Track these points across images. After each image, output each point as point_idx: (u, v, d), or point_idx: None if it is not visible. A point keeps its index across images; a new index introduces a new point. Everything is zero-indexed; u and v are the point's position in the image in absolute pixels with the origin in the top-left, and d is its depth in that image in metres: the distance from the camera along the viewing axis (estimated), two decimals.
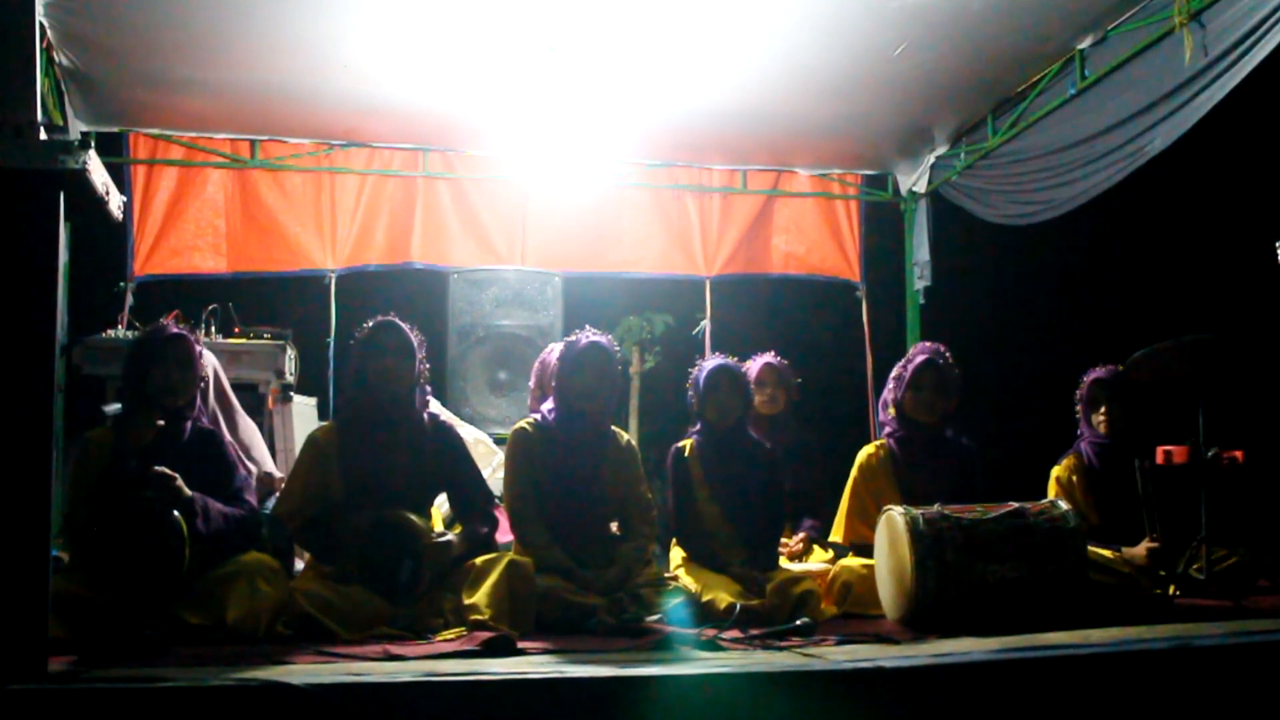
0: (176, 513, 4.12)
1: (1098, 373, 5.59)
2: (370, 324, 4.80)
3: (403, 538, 4.47)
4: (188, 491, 4.21)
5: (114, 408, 4.61)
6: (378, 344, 4.75)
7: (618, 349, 5.12)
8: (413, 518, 4.51)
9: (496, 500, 5.05)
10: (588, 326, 5.17)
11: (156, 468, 4.19)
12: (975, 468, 5.37)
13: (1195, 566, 5.09)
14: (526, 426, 5.03)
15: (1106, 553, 5.10)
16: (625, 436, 5.17)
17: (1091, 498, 5.49)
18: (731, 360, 5.37)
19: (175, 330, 4.62)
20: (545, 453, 4.96)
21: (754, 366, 6.03)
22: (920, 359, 5.33)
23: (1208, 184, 8.51)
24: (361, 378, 4.76)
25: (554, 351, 5.80)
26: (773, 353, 6.21)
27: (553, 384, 5.13)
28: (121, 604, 3.97)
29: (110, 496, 4.15)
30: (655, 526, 5.10)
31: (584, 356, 4.96)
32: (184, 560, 4.10)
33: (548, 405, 5.08)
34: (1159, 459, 5.20)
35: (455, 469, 4.87)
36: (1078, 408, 5.68)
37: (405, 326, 4.79)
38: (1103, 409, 5.55)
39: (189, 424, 4.54)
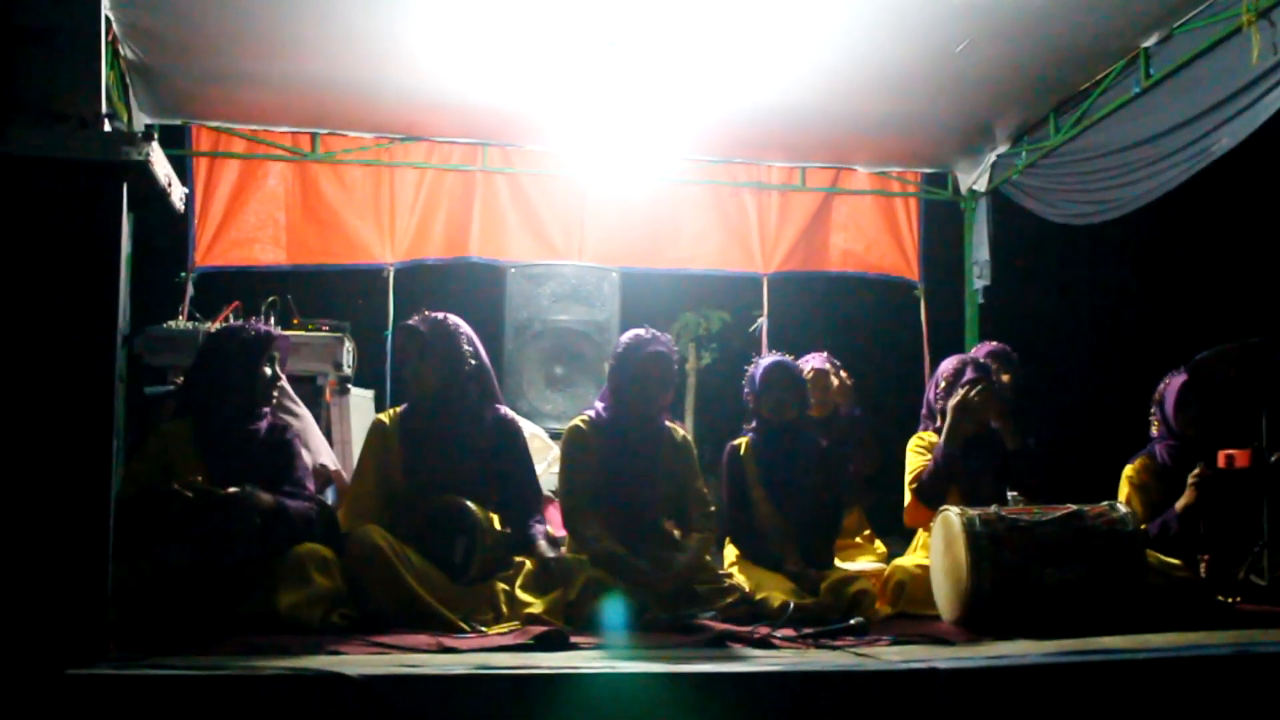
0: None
1: (1184, 374, 5.52)
2: (398, 327, 4.89)
3: (458, 519, 4.55)
4: (265, 497, 4.29)
5: (155, 390, 4.70)
6: (401, 351, 4.88)
7: (675, 350, 5.09)
8: (470, 504, 4.57)
9: (550, 496, 5.07)
10: (648, 327, 5.12)
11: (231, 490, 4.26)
12: (1025, 466, 5.33)
13: (1260, 567, 5.03)
14: (581, 424, 5.02)
15: (1171, 560, 5.05)
16: (680, 431, 5.16)
17: (1162, 500, 5.42)
18: (788, 357, 5.35)
19: (277, 331, 4.79)
20: (601, 450, 4.96)
21: (807, 365, 5.99)
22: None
23: (1275, 184, 8.39)
24: (403, 382, 4.91)
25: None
26: (825, 354, 6.17)
27: (609, 381, 5.09)
28: (177, 592, 4.02)
29: (186, 494, 4.20)
30: (714, 519, 5.07)
31: (648, 366, 4.95)
32: (262, 564, 4.17)
33: (601, 403, 5.07)
34: (1220, 463, 5.14)
35: (508, 466, 4.90)
36: (1153, 409, 5.62)
37: (426, 329, 4.82)
38: (1192, 409, 5.49)
39: (266, 420, 4.62)
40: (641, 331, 5.07)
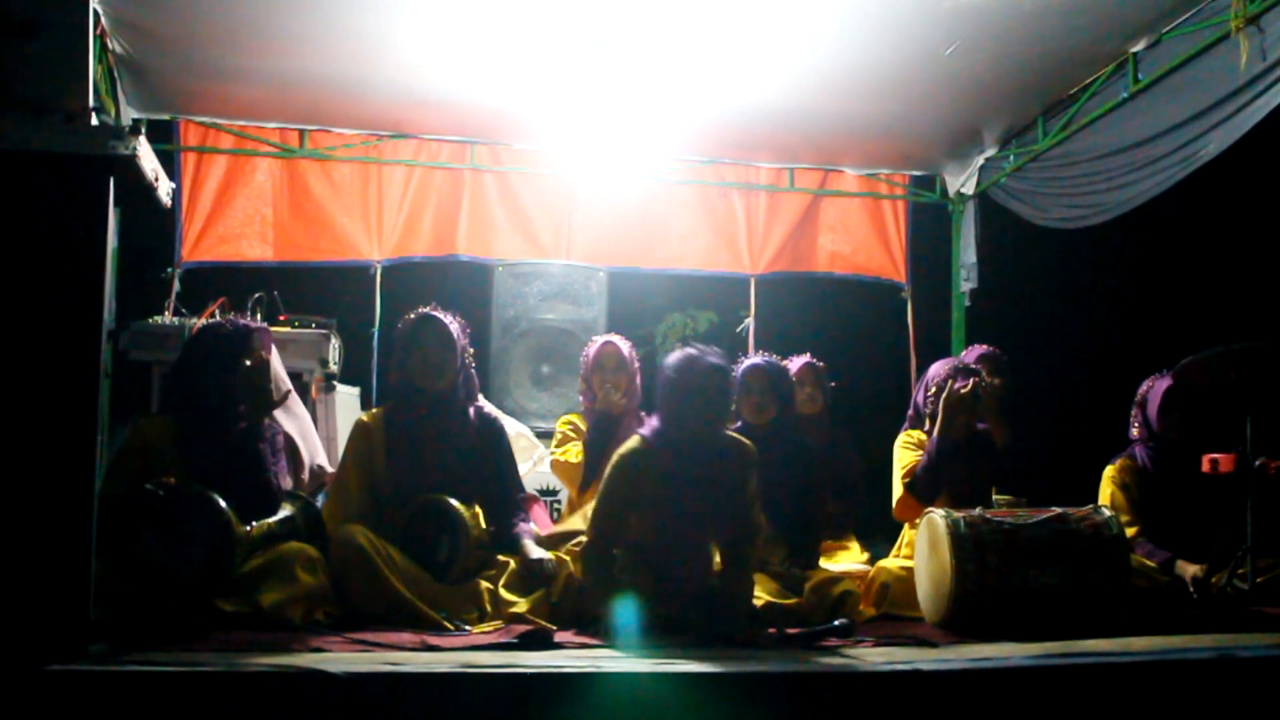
0: (225, 504, 4.14)
1: (1168, 378, 5.53)
2: (412, 316, 4.82)
3: (442, 518, 4.54)
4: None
5: None
6: (419, 338, 4.77)
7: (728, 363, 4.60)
8: (454, 502, 4.55)
9: (534, 495, 5.06)
10: (693, 343, 4.58)
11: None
12: (1007, 465, 5.35)
13: (1240, 572, 5.04)
14: (638, 447, 4.45)
15: (1150, 563, 5.06)
16: (746, 444, 4.58)
17: (1142, 500, 5.44)
18: (772, 358, 5.34)
19: (258, 324, 4.76)
20: (658, 471, 4.43)
21: (793, 366, 5.99)
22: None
23: (1262, 190, 8.42)
24: (404, 371, 4.79)
25: (594, 345, 5.78)
26: (809, 354, 6.18)
27: (661, 406, 4.50)
28: (157, 590, 4.00)
29: (159, 493, 4.16)
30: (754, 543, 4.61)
31: (710, 381, 4.37)
32: (234, 562, 4.13)
33: (653, 427, 4.52)
34: (1205, 467, 5.16)
35: (493, 463, 4.88)
36: (1134, 411, 5.63)
37: (446, 318, 4.79)
38: (1175, 413, 5.50)
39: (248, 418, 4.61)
40: (691, 350, 4.47)
